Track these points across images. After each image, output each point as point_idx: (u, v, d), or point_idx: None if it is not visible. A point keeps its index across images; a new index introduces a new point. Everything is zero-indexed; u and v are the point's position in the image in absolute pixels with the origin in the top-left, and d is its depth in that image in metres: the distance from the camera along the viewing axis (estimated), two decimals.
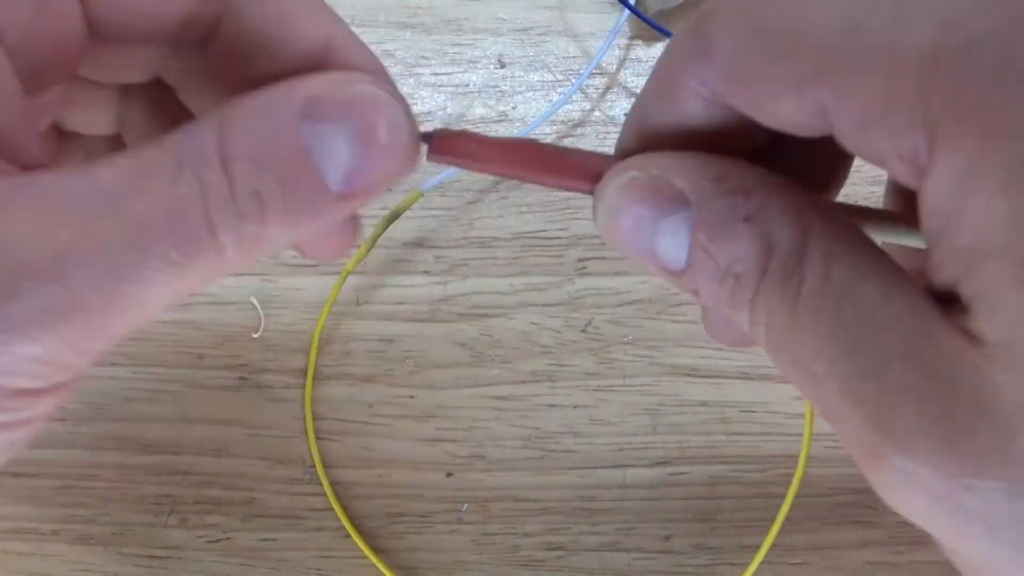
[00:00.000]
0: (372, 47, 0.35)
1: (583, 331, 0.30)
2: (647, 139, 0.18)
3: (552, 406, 0.29)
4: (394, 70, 0.33)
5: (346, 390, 0.29)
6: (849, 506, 0.28)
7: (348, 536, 0.28)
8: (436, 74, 0.33)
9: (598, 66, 0.33)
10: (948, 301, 0.15)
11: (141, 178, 0.15)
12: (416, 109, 0.32)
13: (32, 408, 0.16)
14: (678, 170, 0.16)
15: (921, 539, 0.27)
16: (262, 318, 0.30)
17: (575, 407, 0.29)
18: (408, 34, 0.33)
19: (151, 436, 0.29)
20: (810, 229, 0.15)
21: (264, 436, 0.29)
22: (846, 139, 0.15)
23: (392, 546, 0.28)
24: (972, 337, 0.14)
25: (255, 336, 0.30)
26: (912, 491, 0.14)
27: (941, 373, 0.14)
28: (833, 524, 0.28)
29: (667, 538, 0.28)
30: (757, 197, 0.16)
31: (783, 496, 0.28)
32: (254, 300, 0.30)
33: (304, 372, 0.29)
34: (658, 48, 0.33)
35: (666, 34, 0.33)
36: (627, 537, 0.28)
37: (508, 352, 0.30)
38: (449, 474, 0.29)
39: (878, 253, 0.15)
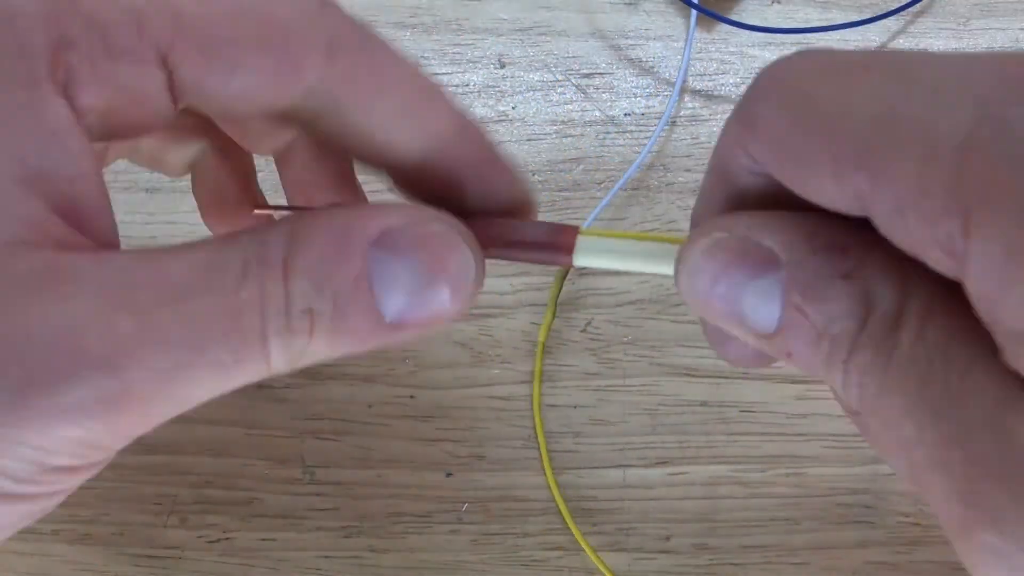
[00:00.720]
0: None
1: (583, 331, 0.30)
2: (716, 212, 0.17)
3: (552, 406, 0.29)
4: None
5: (346, 390, 0.29)
6: (849, 506, 0.28)
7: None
8: (436, 74, 0.33)
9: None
10: None
11: (208, 276, 0.15)
12: None
13: (65, 483, 0.17)
14: (767, 229, 0.16)
15: (921, 539, 0.27)
16: None
17: (575, 407, 0.29)
18: (408, 34, 0.33)
19: (151, 436, 0.29)
20: (909, 286, 0.15)
21: (264, 436, 0.29)
22: (883, 226, 0.14)
23: (392, 546, 0.28)
24: None
25: None
26: (1004, 571, 0.13)
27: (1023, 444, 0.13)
28: (833, 524, 0.28)
29: (667, 538, 0.28)
30: (854, 253, 0.15)
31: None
32: None
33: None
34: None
35: (727, 22, 0.33)
36: (627, 537, 0.28)
37: (508, 352, 0.30)
38: (449, 474, 0.29)
39: (971, 315, 0.14)
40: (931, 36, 0.33)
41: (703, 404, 0.29)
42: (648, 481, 0.28)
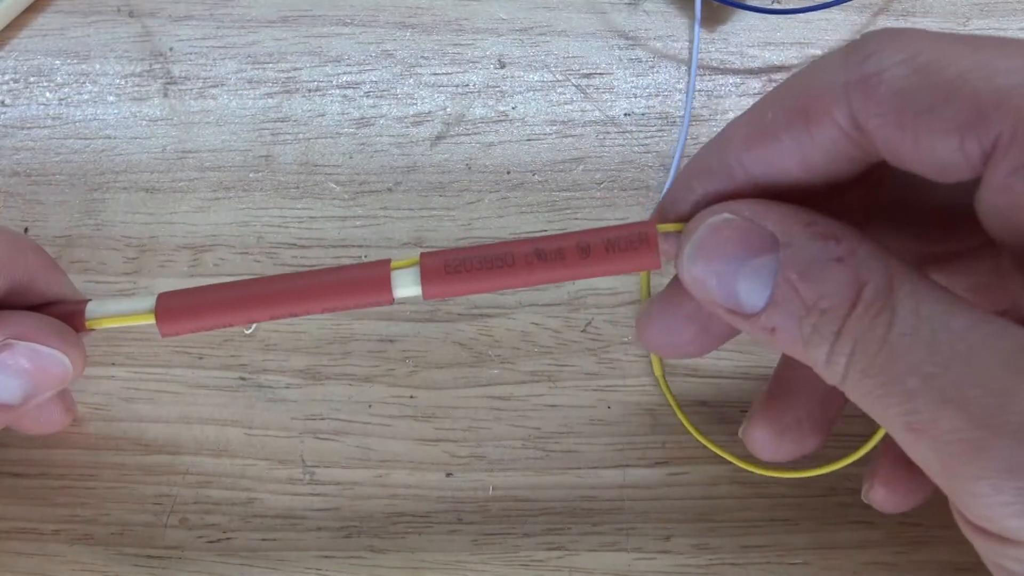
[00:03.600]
0: (372, 47, 0.36)
1: (583, 331, 0.30)
2: (739, 168, 0.19)
3: (552, 406, 0.29)
4: (394, 70, 0.33)
5: (346, 390, 0.29)
6: (849, 506, 0.28)
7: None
8: (436, 74, 0.33)
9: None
10: None
11: None
12: (416, 109, 0.32)
13: None
14: (770, 215, 0.18)
15: (921, 539, 0.27)
16: None
17: (575, 407, 0.29)
18: (408, 34, 0.33)
19: (151, 436, 0.29)
20: (895, 271, 0.17)
21: (264, 436, 0.29)
22: (1004, 181, 0.16)
23: (392, 546, 0.28)
24: None
25: (247, 332, 0.30)
26: (1011, 477, 0.15)
27: None
28: (833, 524, 0.28)
29: (667, 538, 0.28)
30: (847, 242, 0.17)
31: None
32: None
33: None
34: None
35: (744, 8, 0.33)
36: (627, 537, 0.28)
37: (508, 352, 0.30)
38: (449, 474, 0.29)
39: (955, 296, 0.17)
40: None
41: (703, 404, 0.29)
42: (648, 481, 0.28)
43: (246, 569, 0.28)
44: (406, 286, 0.21)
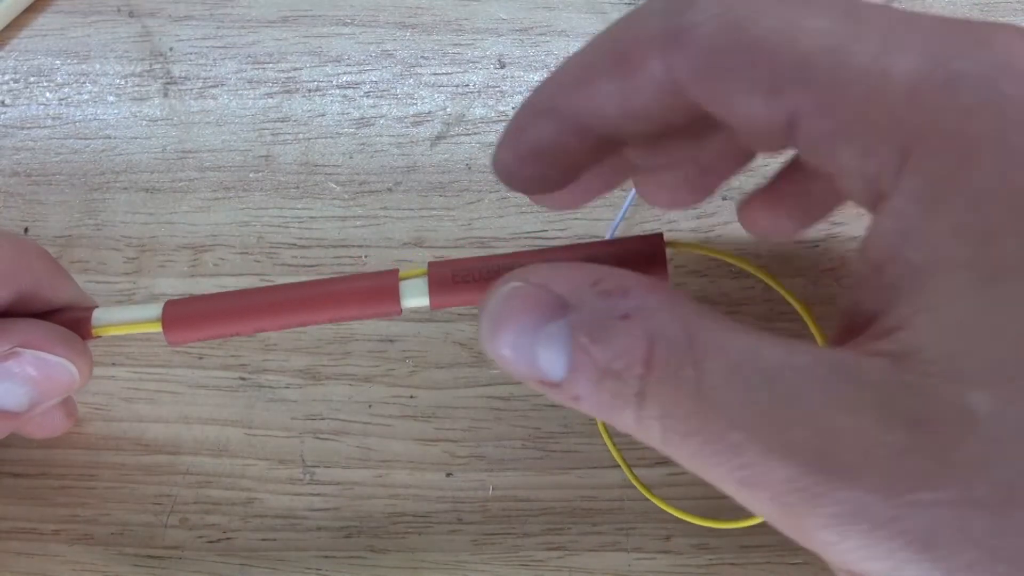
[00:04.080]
0: (372, 47, 0.36)
1: None
2: (564, 116, 0.18)
3: (552, 406, 0.29)
4: (394, 70, 0.33)
5: (346, 390, 0.29)
6: None
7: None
8: (436, 74, 0.33)
9: None
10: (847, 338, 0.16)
11: None
12: (416, 109, 0.32)
13: None
14: (557, 278, 0.17)
15: None
16: None
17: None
18: (408, 34, 0.33)
19: (151, 436, 0.29)
20: (693, 321, 0.16)
21: (264, 436, 0.29)
22: (810, 149, 0.16)
23: (392, 546, 0.28)
24: (902, 356, 0.14)
25: None
26: (853, 522, 0.14)
27: (870, 401, 0.14)
28: None
29: (667, 538, 0.28)
30: (635, 296, 0.16)
31: None
32: None
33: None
34: None
35: None
36: (627, 537, 0.28)
37: None
38: (449, 474, 0.29)
39: (758, 331, 0.16)
40: None
41: None
42: (648, 481, 0.28)
43: (246, 569, 0.28)
44: (414, 296, 0.21)
